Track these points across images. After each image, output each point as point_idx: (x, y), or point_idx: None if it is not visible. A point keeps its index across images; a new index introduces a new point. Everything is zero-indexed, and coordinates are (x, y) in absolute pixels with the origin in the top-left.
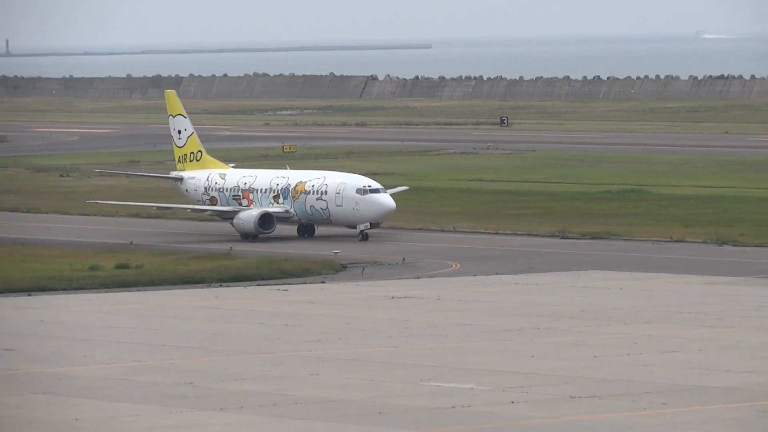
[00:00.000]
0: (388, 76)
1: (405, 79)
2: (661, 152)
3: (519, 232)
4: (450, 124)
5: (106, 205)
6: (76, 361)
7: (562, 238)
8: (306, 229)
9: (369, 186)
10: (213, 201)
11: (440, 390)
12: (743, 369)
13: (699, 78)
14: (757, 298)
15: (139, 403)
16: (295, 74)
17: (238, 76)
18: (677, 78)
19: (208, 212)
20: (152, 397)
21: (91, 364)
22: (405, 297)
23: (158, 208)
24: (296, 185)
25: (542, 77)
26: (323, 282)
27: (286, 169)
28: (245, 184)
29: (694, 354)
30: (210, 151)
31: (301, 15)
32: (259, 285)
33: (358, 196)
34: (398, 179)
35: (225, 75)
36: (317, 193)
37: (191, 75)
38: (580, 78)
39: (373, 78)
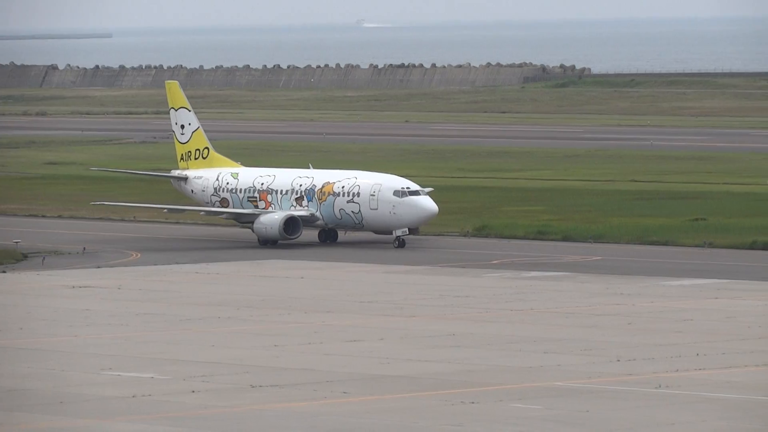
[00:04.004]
0: (69, 65)
1: (85, 68)
2: (341, 141)
3: (200, 222)
4: (130, 113)
5: (111, 207)
6: None
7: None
8: (328, 234)
9: (408, 188)
10: (224, 203)
11: (121, 379)
12: (424, 358)
13: (379, 67)
14: (437, 287)
15: None
16: None
17: None
18: (358, 66)
19: (223, 215)
20: None
21: None
22: (86, 286)
23: (170, 210)
24: (323, 186)
25: (222, 66)
26: (4, 272)
27: (308, 168)
28: (262, 184)
29: (375, 343)
30: None
31: None
32: None
33: (396, 198)
34: (79, 168)
35: None
36: (348, 195)
37: None
38: (260, 67)
39: (54, 67)
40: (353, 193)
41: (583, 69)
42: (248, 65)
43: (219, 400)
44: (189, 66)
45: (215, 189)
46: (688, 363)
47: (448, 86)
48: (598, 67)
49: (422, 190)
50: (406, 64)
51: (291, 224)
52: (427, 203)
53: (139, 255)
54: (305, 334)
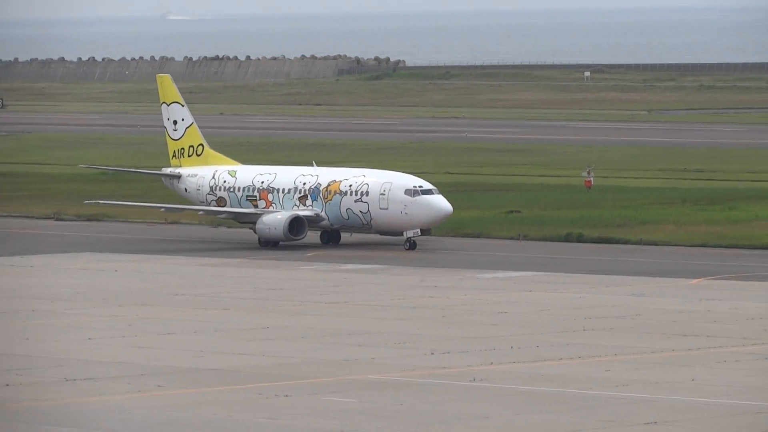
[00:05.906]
0: None
1: None
2: (157, 133)
3: (14, 214)
4: None
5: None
6: None
7: (58, 219)
8: (331, 235)
9: (420, 186)
10: (221, 202)
11: None
12: (238, 351)
13: (194, 59)
14: (252, 279)
15: None
16: None
17: None
18: (173, 59)
19: (222, 215)
20: None
21: None
22: None
23: (167, 209)
24: (328, 185)
25: (37, 59)
26: None
27: (312, 165)
28: (262, 183)
29: (189, 336)
30: None
31: None
32: None
33: (408, 197)
34: None
35: None
36: (356, 194)
37: None
38: (75, 59)
39: None
40: (362, 192)
41: (398, 61)
42: (63, 57)
43: (33, 393)
44: (4, 58)
45: (211, 188)
46: (502, 356)
47: (262, 78)
48: (412, 60)
49: (435, 189)
50: (221, 56)
51: (296, 225)
52: (441, 203)
53: None
54: (119, 327)
